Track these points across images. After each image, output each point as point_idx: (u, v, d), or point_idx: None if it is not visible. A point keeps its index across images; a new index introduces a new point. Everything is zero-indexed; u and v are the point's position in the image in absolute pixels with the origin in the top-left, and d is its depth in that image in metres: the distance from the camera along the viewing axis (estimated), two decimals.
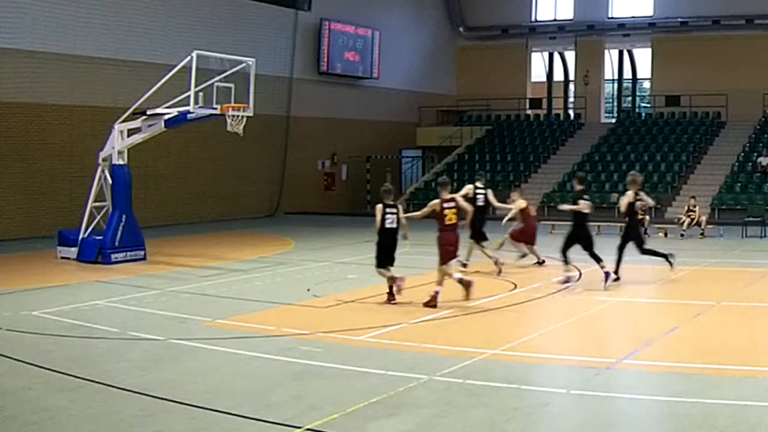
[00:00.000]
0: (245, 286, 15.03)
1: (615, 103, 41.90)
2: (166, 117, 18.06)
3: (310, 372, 8.93)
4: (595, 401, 7.90)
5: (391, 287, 13.04)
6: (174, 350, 10.07)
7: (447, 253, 12.92)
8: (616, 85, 41.35)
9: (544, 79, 42.40)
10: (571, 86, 41.42)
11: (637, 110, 41.05)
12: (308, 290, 14.22)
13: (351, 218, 30.62)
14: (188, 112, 17.57)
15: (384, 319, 11.70)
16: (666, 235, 23.77)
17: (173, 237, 23.72)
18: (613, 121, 38.61)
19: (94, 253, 17.95)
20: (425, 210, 13.20)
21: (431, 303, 12.56)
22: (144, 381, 8.57)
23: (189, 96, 17.27)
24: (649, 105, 40.73)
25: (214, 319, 11.89)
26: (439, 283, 12.79)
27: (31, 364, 9.25)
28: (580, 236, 14.65)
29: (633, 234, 14.92)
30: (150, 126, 18.44)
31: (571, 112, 40.56)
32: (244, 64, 18.65)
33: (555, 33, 39.27)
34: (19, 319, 11.77)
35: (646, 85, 41.35)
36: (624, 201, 14.81)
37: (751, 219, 24.43)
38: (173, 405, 7.78)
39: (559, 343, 10.68)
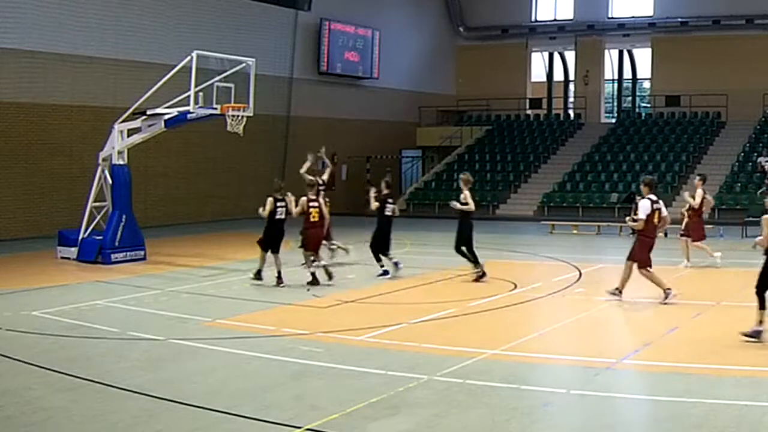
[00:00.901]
0: (245, 286, 15.03)
1: (615, 103, 41.92)
2: (166, 117, 18.05)
3: (310, 372, 8.93)
4: (595, 401, 7.90)
5: (279, 272, 14.77)
6: (174, 350, 10.08)
7: (313, 243, 15.05)
8: (616, 85, 41.37)
9: (544, 79, 42.40)
10: (571, 86, 41.43)
11: (637, 110, 41.07)
12: (308, 290, 14.22)
13: (351, 218, 30.59)
14: (188, 112, 17.57)
15: (384, 319, 11.70)
16: (666, 235, 23.74)
17: (173, 237, 23.72)
18: (613, 121, 38.65)
19: (94, 253, 17.94)
20: (299, 208, 14.97)
21: (312, 282, 14.67)
22: (144, 381, 8.56)
23: (189, 96, 17.26)
24: (649, 105, 40.74)
25: (214, 319, 11.89)
26: (309, 265, 14.94)
27: (31, 364, 9.25)
28: (383, 236, 15.87)
29: (467, 231, 15.33)
30: (150, 126, 18.44)
31: (571, 112, 40.57)
32: (244, 64, 18.64)
33: (555, 33, 39.27)
34: (19, 319, 11.77)
35: (646, 85, 41.36)
36: (470, 200, 15.28)
37: (751, 219, 24.40)
38: (173, 405, 7.78)
39: (559, 343, 10.68)
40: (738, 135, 33.13)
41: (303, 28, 32.83)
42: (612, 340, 10.86)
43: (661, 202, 12.99)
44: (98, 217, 18.75)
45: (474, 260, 15.34)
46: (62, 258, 18.56)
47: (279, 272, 14.82)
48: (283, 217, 14.91)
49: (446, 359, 9.36)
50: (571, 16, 38.65)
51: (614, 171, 32.30)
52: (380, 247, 15.98)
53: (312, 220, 14.93)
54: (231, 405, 7.70)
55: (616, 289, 12.97)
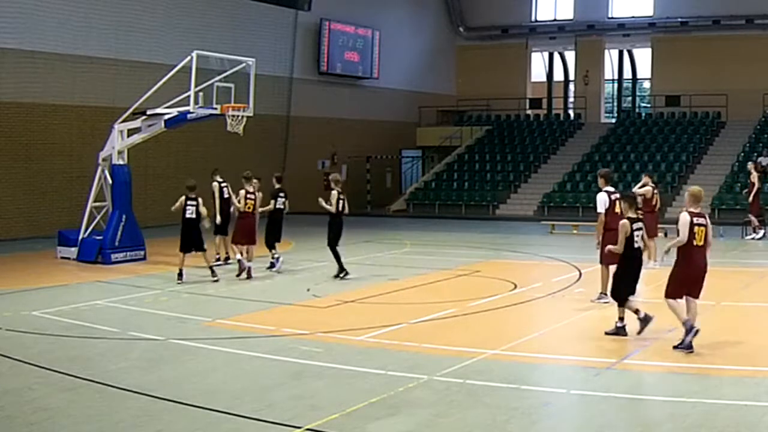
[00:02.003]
0: (245, 286, 15.04)
1: (615, 103, 41.92)
2: (166, 117, 18.06)
3: (310, 372, 8.93)
4: (595, 401, 7.91)
5: (212, 268, 15.46)
6: (174, 350, 10.08)
7: (243, 234, 15.94)
8: (616, 85, 41.36)
9: (544, 79, 42.40)
10: (571, 86, 41.43)
11: (637, 110, 41.06)
12: (308, 290, 14.22)
13: (351, 218, 30.58)
14: (188, 112, 17.58)
15: (384, 319, 11.70)
16: (666, 234, 23.73)
17: (173, 237, 23.63)
18: (613, 121, 38.63)
19: (94, 253, 17.95)
20: (240, 201, 15.93)
21: (236, 274, 15.64)
22: (144, 381, 8.57)
23: (189, 96, 17.27)
24: (649, 105, 40.74)
25: (214, 319, 11.89)
26: (250, 258, 15.88)
27: (31, 364, 9.25)
28: (276, 230, 16.66)
29: (334, 231, 15.61)
30: (150, 126, 18.45)
31: (571, 112, 40.57)
32: (244, 64, 18.66)
33: (555, 33, 39.27)
34: (19, 319, 11.77)
35: (646, 85, 41.36)
36: (333, 201, 15.49)
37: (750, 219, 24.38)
38: (173, 405, 7.78)
39: (559, 343, 10.68)
40: (738, 135, 33.12)
41: (303, 28, 32.83)
42: (612, 340, 10.85)
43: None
44: (98, 217, 18.75)
45: (339, 258, 15.53)
46: (62, 258, 18.57)
47: (211, 268, 15.48)
48: (194, 216, 15.31)
49: (446, 359, 9.36)
50: (571, 16, 38.64)
51: (614, 171, 32.23)
52: (272, 238, 16.60)
53: (246, 209, 15.93)
54: (231, 405, 7.70)
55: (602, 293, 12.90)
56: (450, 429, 7.16)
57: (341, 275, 15.42)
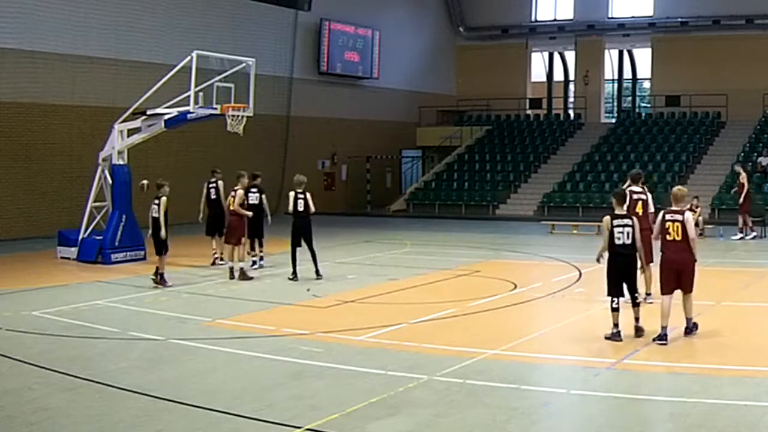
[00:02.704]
0: (245, 286, 15.03)
1: (615, 103, 41.92)
2: (166, 117, 18.08)
3: (310, 372, 8.93)
4: (595, 401, 7.91)
5: (158, 270, 15.01)
6: (174, 350, 10.08)
7: (229, 233, 16.05)
8: (616, 85, 41.37)
9: (544, 79, 42.41)
10: (571, 86, 41.43)
11: (637, 110, 41.06)
12: (308, 290, 14.22)
13: (351, 218, 30.63)
14: (188, 112, 17.60)
15: (384, 319, 11.70)
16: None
17: (173, 237, 23.60)
18: (613, 121, 38.64)
19: (94, 253, 17.95)
20: (237, 201, 15.95)
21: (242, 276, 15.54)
22: (144, 381, 8.57)
23: (189, 96, 17.29)
24: (649, 105, 40.74)
25: (214, 319, 11.89)
26: (241, 259, 15.87)
27: (31, 364, 9.25)
28: (251, 227, 16.45)
29: (302, 233, 15.54)
30: (150, 126, 18.46)
31: (571, 112, 40.57)
32: (244, 64, 18.67)
33: (555, 33, 39.28)
34: (19, 319, 11.78)
35: (646, 85, 41.36)
36: (291, 201, 15.45)
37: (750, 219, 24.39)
38: (173, 405, 7.79)
39: (559, 343, 10.68)
40: (738, 135, 33.12)
41: (303, 28, 32.83)
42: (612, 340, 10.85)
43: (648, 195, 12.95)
44: (98, 217, 18.76)
45: (293, 261, 15.44)
46: (62, 258, 18.57)
47: (158, 270, 15.04)
48: (156, 215, 15.24)
49: (446, 359, 9.37)
50: (571, 16, 38.65)
51: (614, 171, 32.28)
52: (255, 234, 16.78)
53: (231, 208, 16.05)
54: (231, 405, 7.70)
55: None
56: (450, 429, 7.16)
57: (292, 277, 15.36)
